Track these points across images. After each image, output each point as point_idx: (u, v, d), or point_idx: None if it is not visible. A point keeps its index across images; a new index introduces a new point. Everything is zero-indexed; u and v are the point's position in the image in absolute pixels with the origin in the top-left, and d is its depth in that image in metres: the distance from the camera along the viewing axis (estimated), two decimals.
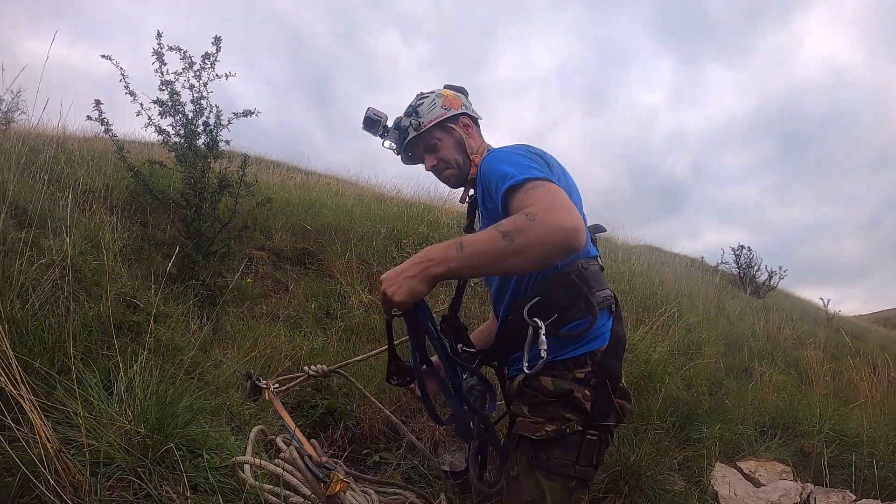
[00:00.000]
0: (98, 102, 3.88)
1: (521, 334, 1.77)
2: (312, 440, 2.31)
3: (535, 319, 1.75)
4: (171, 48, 3.98)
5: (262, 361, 3.14)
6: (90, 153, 5.12)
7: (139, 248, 4.02)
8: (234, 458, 1.57)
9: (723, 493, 2.98)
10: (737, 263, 11.55)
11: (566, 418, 1.77)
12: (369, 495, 1.91)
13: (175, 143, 4.20)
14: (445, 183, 2.17)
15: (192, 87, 4.13)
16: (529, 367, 1.70)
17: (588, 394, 1.78)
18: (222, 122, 4.30)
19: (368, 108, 2.26)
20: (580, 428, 1.77)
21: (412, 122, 2.17)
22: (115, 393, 1.70)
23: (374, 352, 2.53)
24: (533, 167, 1.72)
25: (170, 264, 2.82)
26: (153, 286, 2.72)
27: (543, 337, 1.70)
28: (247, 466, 1.61)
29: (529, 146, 1.91)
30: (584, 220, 2.01)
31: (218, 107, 4.29)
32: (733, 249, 11.63)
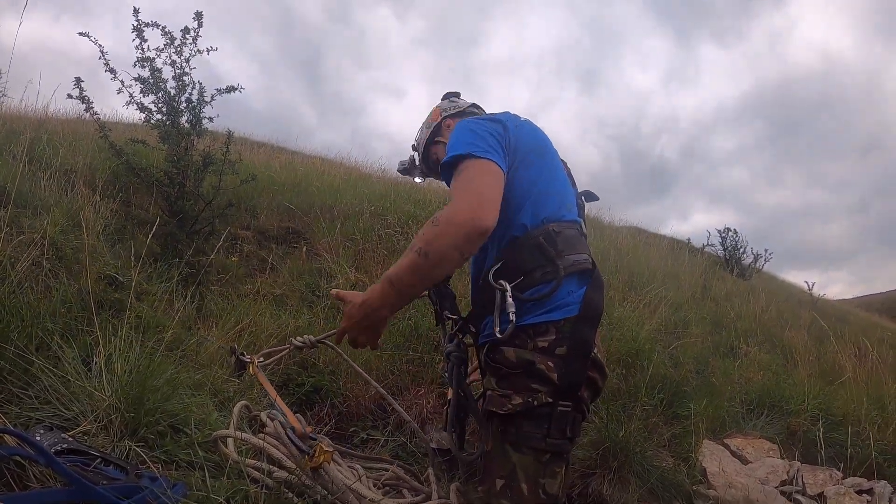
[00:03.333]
0: (79, 80, 3.80)
1: (490, 299, 1.76)
2: (297, 414, 2.30)
3: (501, 282, 1.73)
4: (149, 24, 3.90)
5: (247, 339, 3.11)
6: (73, 134, 5.04)
7: (122, 228, 3.97)
8: (216, 432, 1.54)
9: (711, 470, 2.99)
10: (723, 246, 11.60)
11: (533, 389, 1.75)
12: (356, 470, 1.90)
13: (157, 120, 4.13)
14: None
15: (173, 63, 4.06)
16: (501, 332, 1.68)
17: (552, 365, 1.75)
18: (205, 99, 4.23)
19: (398, 163, 2.55)
20: (549, 399, 1.74)
21: (415, 153, 2.45)
22: (93, 368, 1.66)
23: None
24: (472, 143, 1.74)
25: (152, 241, 2.78)
26: (136, 264, 2.68)
27: (511, 300, 1.69)
28: (230, 441, 1.59)
29: (496, 117, 1.93)
30: (571, 192, 2.04)
31: (201, 83, 4.22)
32: (719, 232, 11.70)
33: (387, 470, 2.13)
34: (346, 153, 10.82)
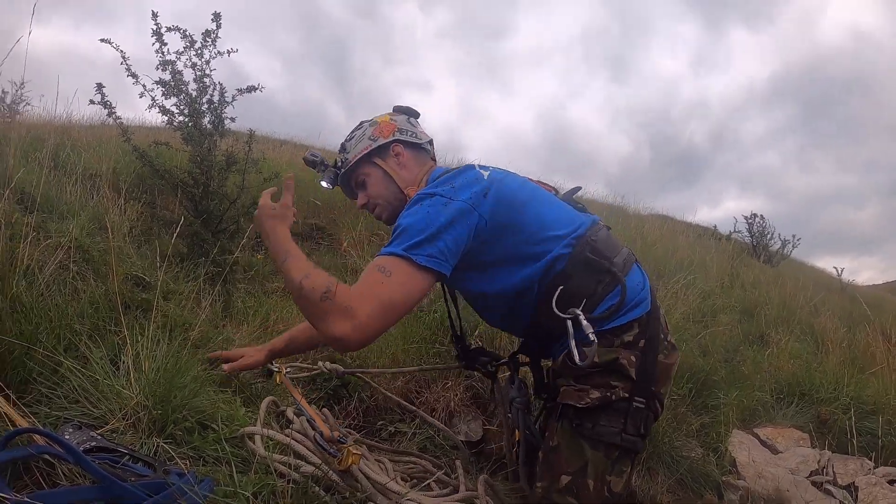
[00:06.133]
0: (100, 86, 3.84)
1: (555, 329, 1.73)
2: (325, 409, 2.32)
3: (572, 309, 1.69)
4: (169, 28, 3.92)
5: (274, 336, 3.13)
6: (97, 139, 5.11)
7: (148, 229, 4.03)
8: (243, 429, 1.56)
9: (741, 460, 2.96)
10: (749, 232, 11.44)
11: (611, 385, 1.73)
12: (384, 464, 1.91)
13: (180, 122, 4.17)
14: (379, 220, 2.06)
15: (194, 65, 4.08)
16: (582, 359, 1.64)
17: (634, 359, 1.74)
18: (226, 100, 4.26)
19: (307, 152, 2.18)
20: (626, 395, 1.73)
21: (341, 157, 2.08)
22: (121, 368, 1.68)
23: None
24: (422, 241, 1.63)
25: (178, 242, 2.81)
26: (162, 265, 2.71)
27: (586, 322, 1.65)
28: (257, 437, 1.60)
29: (475, 188, 1.75)
30: (564, 203, 1.99)
31: (221, 84, 4.24)
32: (746, 218, 11.55)
33: (415, 464, 2.13)
34: None
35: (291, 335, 2.33)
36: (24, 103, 7.69)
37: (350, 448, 1.53)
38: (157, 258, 2.93)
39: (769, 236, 11.47)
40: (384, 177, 2.03)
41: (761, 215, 11.56)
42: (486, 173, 1.80)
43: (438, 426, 2.47)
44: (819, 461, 3.10)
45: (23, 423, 1.28)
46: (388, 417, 2.95)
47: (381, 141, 2.03)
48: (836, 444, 3.41)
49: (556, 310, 1.71)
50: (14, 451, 1.17)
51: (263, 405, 1.89)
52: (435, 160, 2.17)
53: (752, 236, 11.43)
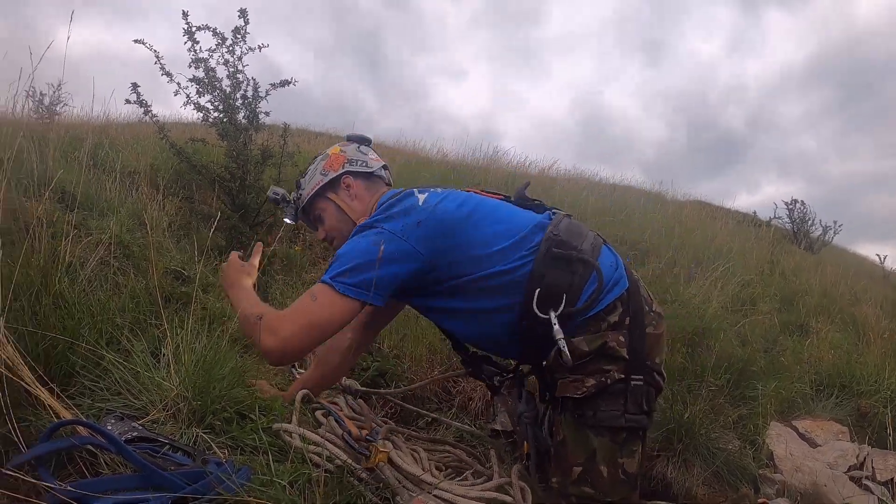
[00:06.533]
0: (135, 85, 3.93)
1: (544, 332, 1.75)
2: (360, 399, 2.35)
3: (549, 312, 1.73)
4: (199, 27, 3.98)
5: None
6: (134, 137, 5.22)
7: (187, 224, 4.10)
8: (275, 425, 1.60)
9: (778, 453, 2.91)
10: (790, 218, 11.20)
11: (605, 370, 1.75)
12: (418, 453, 1.92)
13: (215, 118, 4.23)
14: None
15: (226, 62, 4.14)
16: (565, 359, 1.71)
17: (623, 339, 1.75)
18: (260, 94, 4.32)
19: (270, 189, 2.26)
20: (622, 376, 1.75)
21: (297, 194, 2.16)
22: (161, 360, 1.72)
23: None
24: (343, 267, 1.74)
25: (216, 236, 2.85)
26: (201, 258, 2.77)
27: (557, 327, 1.71)
28: (291, 429, 1.64)
29: (409, 219, 1.81)
30: (514, 208, 2.00)
31: (254, 79, 4.30)
32: (786, 204, 11.29)
33: (450, 453, 2.14)
34: (407, 139, 10.88)
35: (323, 373, 2.33)
36: (62, 104, 7.89)
37: (377, 446, 1.56)
38: (196, 252, 2.98)
39: (810, 222, 11.23)
40: (337, 210, 2.10)
41: (801, 201, 11.31)
42: (422, 198, 1.84)
43: (456, 426, 2.45)
44: (858, 456, 3.03)
45: (66, 415, 1.32)
46: (426, 406, 2.97)
47: (332, 175, 2.09)
48: (875, 438, 3.32)
49: (537, 311, 1.74)
50: (58, 442, 1.21)
51: (299, 397, 1.92)
52: (390, 184, 2.21)
53: (792, 222, 11.18)
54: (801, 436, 3.22)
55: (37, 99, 7.51)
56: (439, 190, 1.91)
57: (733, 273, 5.01)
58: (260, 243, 2.17)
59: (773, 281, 6.08)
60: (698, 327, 3.82)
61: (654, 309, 1.91)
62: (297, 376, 2.46)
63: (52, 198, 2.72)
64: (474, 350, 2.16)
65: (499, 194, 2.08)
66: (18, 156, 2.55)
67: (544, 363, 1.89)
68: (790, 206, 11.26)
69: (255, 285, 2.00)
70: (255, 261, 2.06)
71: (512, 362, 2.17)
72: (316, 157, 2.19)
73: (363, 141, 2.21)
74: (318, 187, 2.10)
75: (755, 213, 11.77)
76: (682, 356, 3.53)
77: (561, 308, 1.74)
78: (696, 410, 2.79)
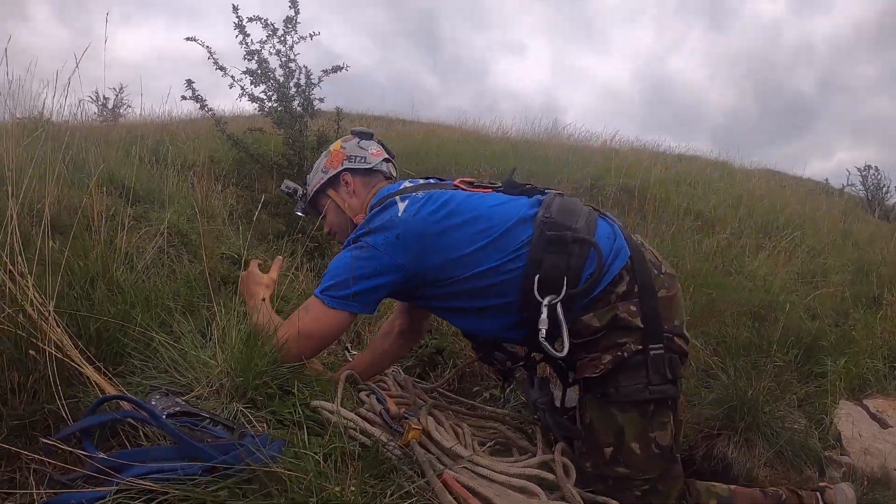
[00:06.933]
0: (189, 82, 4.08)
1: (548, 321, 1.73)
2: (406, 375, 2.38)
3: (548, 298, 1.72)
4: (250, 19, 4.09)
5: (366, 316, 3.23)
6: (194, 132, 5.42)
7: (248, 211, 4.23)
8: (315, 402, 1.64)
9: (846, 434, 2.76)
10: (864, 185, 10.63)
11: (620, 343, 1.72)
12: (461, 429, 1.93)
13: (270, 108, 4.34)
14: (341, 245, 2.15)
15: (278, 52, 4.24)
16: (560, 349, 1.69)
17: (634, 309, 1.71)
18: (313, 82, 4.40)
19: (283, 182, 2.34)
20: (639, 347, 1.71)
21: (304, 189, 2.24)
22: (209, 339, 1.79)
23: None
24: (331, 282, 1.86)
25: (276, 222, 2.93)
26: (261, 243, 2.85)
27: (545, 316, 1.71)
28: (328, 405, 1.68)
29: (389, 235, 1.85)
30: (501, 196, 1.98)
31: (307, 67, 4.39)
32: (860, 170, 10.72)
33: (496, 429, 2.13)
34: (467, 117, 10.88)
35: (373, 357, 2.38)
36: (126, 106, 8.32)
37: (411, 423, 1.57)
38: (256, 237, 3.07)
39: (885, 189, 10.64)
40: (336, 207, 2.16)
41: (876, 167, 10.71)
42: (402, 206, 1.86)
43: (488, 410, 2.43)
44: None
45: (111, 391, 1.40)
46: (483, 383, 2.99)
47: (332, 172, 2.16)
48: None
49: (539, 298, 1.72)
50: (101, 415, 1.29)
51: (342, 376, 1.95)
52: (392, 176, 2.24)
53: (866, 190, 10.65)
54: (872, 416, 3.04)
55: (100, 103, 7.95)
56: (420, 194, 1.91)
57: (803, 243, 4.80)
58: (280, 257, 2.29)
59: (846, 251, 5.78)
60: (764, 300, 3.70)
61: (663, 271, 1.86)
62: (350, 358, 2.51)
63: (113, 193, 2.85)
64: (485, 338, 2.15)
65: (488, 186, 2.06)
66: (77, 156, 2.69)
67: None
68: (864, 173, 10.72)
69: (272, 297, 2.11)
70: (274, 275, 2.17)
71: (524, 349, 2.15)
72: (322, 153, 2.26)
73: (364, 135, 2.26)
74: (319, 184, 2.19)
75: (827, 180, 11.27)
76: (748, 330, 3.41)
77: (563, 292, 1.71)
78: (761, 387, 2.67)
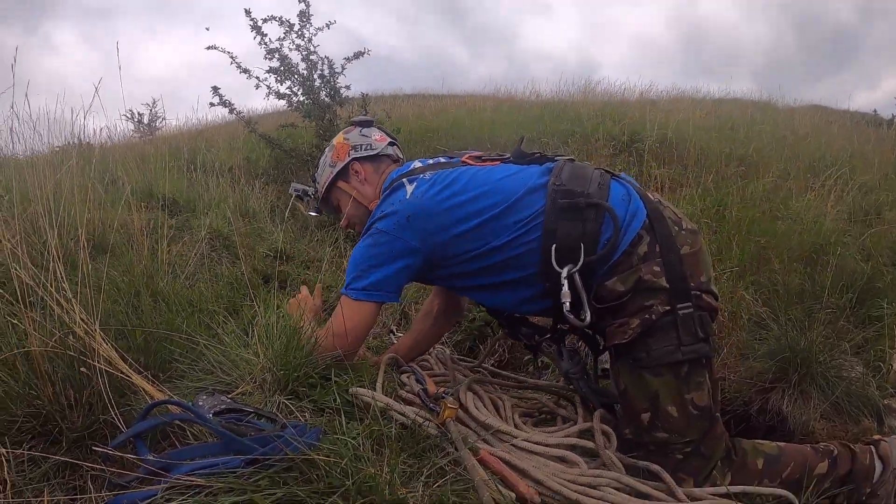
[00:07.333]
0: (215, 88, 4.18)
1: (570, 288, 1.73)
2: (447, 349, 2.42)
3: (566, 268, 1.72)
4: (265, 19, 4.15)
5: (412, 292, 3.29)
6: (229, 136, 5.54)
7: (287, 206, 4.33)
8: (352, 389, 1.69)
9: None
10: None
11: (647, 306, 1.70)
12: (502, 402, 1.96)
13: (298, 102, 4.41)
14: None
15: (298, 46, 4.30)
16: (582, 318, 1.71)
17: (658, 269, 1.69)
18: (336, 71, 4.45)
19: (291, 185, 2.34)
20: (667, 308, 1.68)
21: (314, 188, 2.25)
22: (251, 338, 1.86)
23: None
24: (351, 275, 1.90)
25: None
26: (304, 236, 2.93)
27: (566, 288, 1.71)
28: (375, 387, 1.75)
29: (399, 220, 1.86)
30: (508, 166, 1.97)
31: (328, 57, 4.44)
32: None
33: (536, 399, 2.16)
34: (499, 85, 10.75)
35: (415, 339, 2.42)
36: (161, 119, 8.61)
37: (447, 402, 1.61)
38: (298, 230, 3.15)
39: None
40: (351, 198, 2.17)
41: None
42: (410, 189, 1.88)
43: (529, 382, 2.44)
44: None
45: (159, 396, 1.49)
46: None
47: (340, 164, 2.18)
48: None
49: (557, 268, 1.73)
50: (150, 420, 1.37)
51: (385, 359, 2.00)
52: (399, 159, 2.25)
53: None
54: None
55: (136, 119, 8.24)
56: (428, 175, 1.92)
57: (852, 180, 4.61)
58: (320, 284, 2.34)
59: None
60: (815, 243, 3.58)
61: (685, 227, 1.82)
62: (395, 341, 2.57)
63: (154, 206, 2.97)
64: (510, 313, 2.16)
65: (496, 159, 2.04)
66: (115, 175, 2.81)
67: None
68: None
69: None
70: (319, 301, 2.24)
71: (550, 321, 2.15)
72: (325, 150, 2.27)
73: (365, 123, 2.27)
74: (329, 179, 2.20)
75: (875, 111, 10.67)
76: (799, 276, 3.32)
77: (581, 261, 1.71)
78: (814, 336, 2.60)
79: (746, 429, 2.60)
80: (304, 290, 2.20)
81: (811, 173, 5.01)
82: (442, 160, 2.05)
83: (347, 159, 2.17)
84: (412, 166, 2.02)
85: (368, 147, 2.18)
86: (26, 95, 2.01)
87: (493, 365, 2.70)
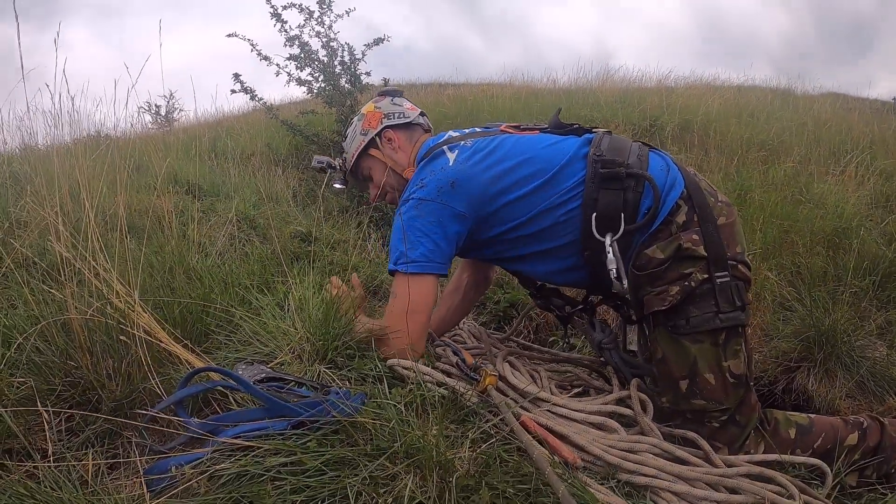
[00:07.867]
0: (237, 76, 4.19)
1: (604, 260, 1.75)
2: (481, 325, 2.49)
3: (608, 236, 1.74)
4: (285, 7, 4.16)
5: None
6: (249, 124, 5.57)
7: (310, 191, 4.35)
8: (391, 360, 1.70)
9: None
10: None
11: (686, 274, 1.71)
12: (538, 373, 1.97)
13: (319, 88, 4.43)
14: (393, 205, 2.10)
15: (318, 34, 4.31)
16: (639, 267, 1.75)
17: (697, 238, 1.71)
18: (357, 57, 4.46)
19: (314, 158, 2.26)
20: (705, 276, 1.70)
21: (341, 158, 2.18)
22: (287, 310, 1.88)
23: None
24: (398, 251, 1.80)
25: (338, 198, 3.00)
26: (328, 219, 2.95)
27: (611, 254, 1.73)
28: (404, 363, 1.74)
29: (443, 184, 1.82)
30: (547, 136, 1.96)
31: (349, 44, 4.45)
32: None
33: (571, 372, 2.16)
34: (516, 73, 10.71)
35: (446, 314, 2.40)
36: (178, 110, 8.67)
37: (487, 370, 1.62)
38: (322, 214, 3.17)
39: None
40: (383, 166, 2.13)
41: None
42: (452, 156, 1.86)
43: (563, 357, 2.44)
44: None
45: (199, 364, 1.50)
46: (558, 332, 3.02)
47: (372, 133, 2.13)
48: None
49: (597, 236, 1.74)
50: (193, 387, 1.39)
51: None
52: (429, 129, 2.22)
53: None
54: None
55: (154, 112, 8.32)
56: (469, 142, 1.90)
57: (873, 166, 4.58)
58: (356, 274, 2.27)
59: None
60: (838, 227, 3.58)
61: (720, 199, 1.84)
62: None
63: (180, 191, 3.00)
64: (542, 283, 2.16)
65: (534, 128, 2.03)
66: (140, 162, 2.84)
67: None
68: None
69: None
70: (361, 291, 2.11)
71: (581, 293, 2.15)
72: (351, 120, 2.24)
73: (395, 94, 2.24)
74: (361, 147, 2.15)
75: (895, 98, 10.57)
76: (823, 259, 3.32)
77: (621, 229, 1.72)
78: (839, 316, 2.63)
79: (771, 407, 2.60)
80: (336, 280, 2.03)
81: (832, 159, 4.99)
82: (478, 130, 2.04)
83: (380, 127, 2.12)
84: (448, 135, 2.01)
85: (401, 115, 2.14)
86: (48, 87, 2.04)
87: (521, 340, 2.70)
